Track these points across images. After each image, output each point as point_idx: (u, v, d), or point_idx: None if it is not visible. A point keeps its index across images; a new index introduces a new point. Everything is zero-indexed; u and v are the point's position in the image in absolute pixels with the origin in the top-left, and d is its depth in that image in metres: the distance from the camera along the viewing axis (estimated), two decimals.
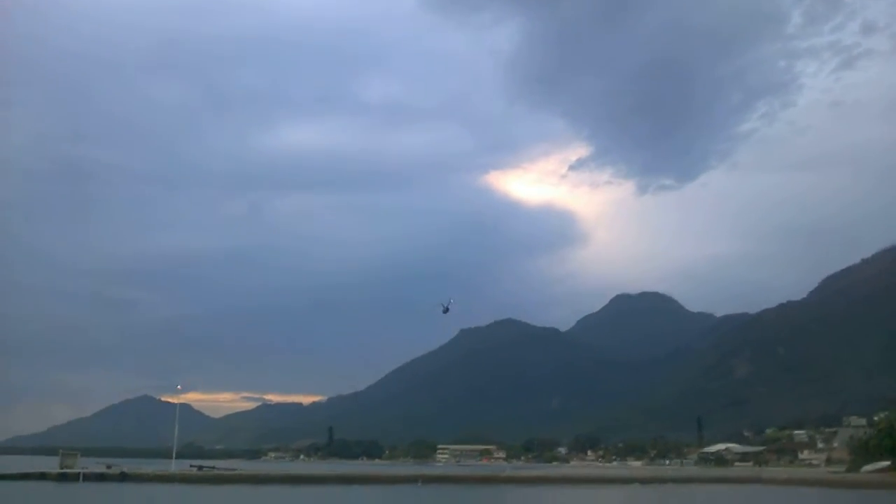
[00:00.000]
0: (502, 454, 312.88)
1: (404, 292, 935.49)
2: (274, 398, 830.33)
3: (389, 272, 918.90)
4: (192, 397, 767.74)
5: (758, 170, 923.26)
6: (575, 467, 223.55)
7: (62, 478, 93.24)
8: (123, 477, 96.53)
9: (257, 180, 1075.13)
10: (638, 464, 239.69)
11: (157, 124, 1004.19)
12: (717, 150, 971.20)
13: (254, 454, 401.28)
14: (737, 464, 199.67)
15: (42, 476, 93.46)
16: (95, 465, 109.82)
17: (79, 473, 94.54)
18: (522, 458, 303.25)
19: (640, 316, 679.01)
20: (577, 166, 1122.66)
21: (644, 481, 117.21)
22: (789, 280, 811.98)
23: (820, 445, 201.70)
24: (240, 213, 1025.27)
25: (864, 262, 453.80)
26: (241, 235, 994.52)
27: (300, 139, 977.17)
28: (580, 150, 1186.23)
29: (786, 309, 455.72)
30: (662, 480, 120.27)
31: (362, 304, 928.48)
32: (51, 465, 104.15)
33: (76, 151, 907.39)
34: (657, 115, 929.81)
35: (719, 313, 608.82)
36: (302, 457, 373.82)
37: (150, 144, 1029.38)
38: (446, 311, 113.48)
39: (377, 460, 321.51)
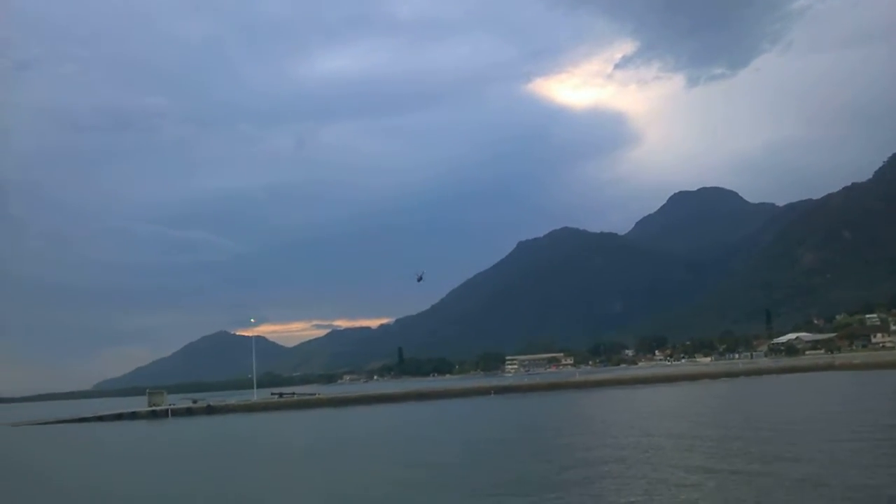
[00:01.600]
0: (570, 361, 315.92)
1: (456, 211, 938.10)
2: (343, 324, 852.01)
3: (439, 192, 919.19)
4: (265, 329, 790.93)
5: (813, 49, 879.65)
6: (643, 368, 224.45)
7: (152, 415, 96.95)
8: (210, 410, 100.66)
9: (298, 113, 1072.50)
10: (707, 360, 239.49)
11: (189, 65, 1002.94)
12: (768, 32, 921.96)
13: (330, 378, 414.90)
14: (808, 352, 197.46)
15: (133, 415, 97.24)
16: (182, 401, 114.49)
17: (167, 410, 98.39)
18: (590, 363, 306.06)
19: (700, 212, 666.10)
20: (622, 64, 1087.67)
21: (714, 376, 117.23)
22: (853, 162, 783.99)
23: (893, 328, 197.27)
24: (284, 148, 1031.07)
25: None
26: (287, 170, 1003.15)
27: (336, 66, 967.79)
28: (625, 47, 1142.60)
29: (850, 191, 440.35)
30: (733, 374, 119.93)
31: (416, 226, 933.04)
32: (140, 404, 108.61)
33: (119, 98, 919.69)
34: (703, 1, 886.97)
35: (782, 202, 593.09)
36: (375, 378, 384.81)
37: (186, 86, 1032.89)
38: (420, 279, 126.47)
39: (448, 376, 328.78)
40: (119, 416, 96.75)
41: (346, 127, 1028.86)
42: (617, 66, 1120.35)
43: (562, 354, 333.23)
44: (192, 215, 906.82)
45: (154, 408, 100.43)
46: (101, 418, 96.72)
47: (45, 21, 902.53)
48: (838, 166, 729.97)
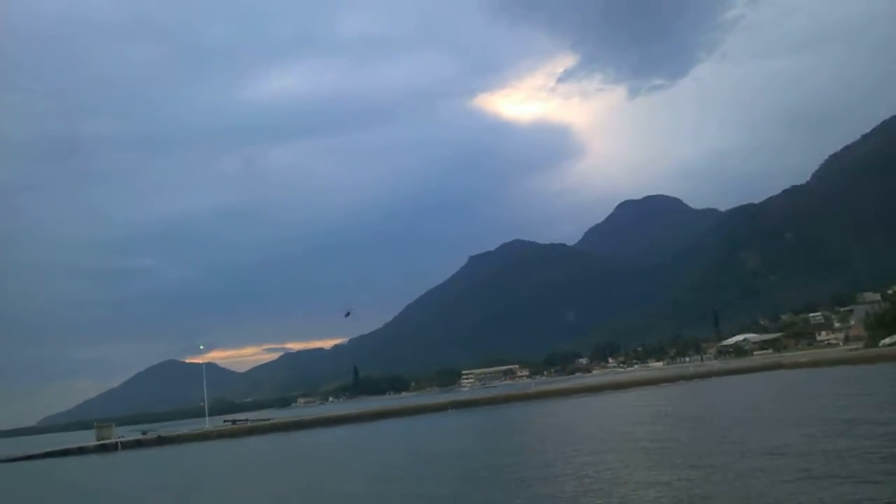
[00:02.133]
0: (525, 372, 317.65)
1: (409, 227, 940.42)
2: (295, 346, 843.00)
3: (391, 209, 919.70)
4: (216, 355, 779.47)
5: (748, 57, 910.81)
6: (598, 375, 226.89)
7: (101, 449, 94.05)
8: (161, 441, 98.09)
9: (245, 134, 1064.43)
10: (659, 364, 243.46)
11: (135, 90, 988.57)
12: (704, 42, 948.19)
13: (284, 402, 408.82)
14: (756, 353, 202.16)
15: (81, 450, 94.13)
16: (131, 433, 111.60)
17: (116, 443, 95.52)
18: (545, 373, 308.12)
19: (646, 220, 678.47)
20: (565, 77, 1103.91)
21: (668, 380, 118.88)
22: (792, 166, 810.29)
23: (836, 325, 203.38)
24: (233, 170, 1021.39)
25: (865, 137, 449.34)
26: (237, 191, 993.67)
27: (282, 86, 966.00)
28: (566, 61, 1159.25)
29: (790, 195, 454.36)
30: (685, 377, 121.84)
31: (367, 244, 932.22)
32: (87, 438, 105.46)
33: (64, 125, 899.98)
34: (640, 14, 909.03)
35: (724, 207, 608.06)
36: (331, 399, 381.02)
37: (133, 111, 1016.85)
38: (347, 315, 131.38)
39: (404, 393, 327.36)
40: (66, 452, 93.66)
41: (296, 147, 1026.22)
42: (559, 80, 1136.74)
43: (517, 366, 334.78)
44: (137, 242, 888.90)
45: (103, 441, 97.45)
46: (48, 454, 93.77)
47: None
48: (779, 171, 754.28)
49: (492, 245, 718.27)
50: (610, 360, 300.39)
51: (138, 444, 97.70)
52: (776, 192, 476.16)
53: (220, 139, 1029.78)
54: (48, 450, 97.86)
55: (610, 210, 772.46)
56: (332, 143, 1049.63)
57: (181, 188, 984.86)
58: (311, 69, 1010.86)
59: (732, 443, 32.32)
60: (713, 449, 31.36)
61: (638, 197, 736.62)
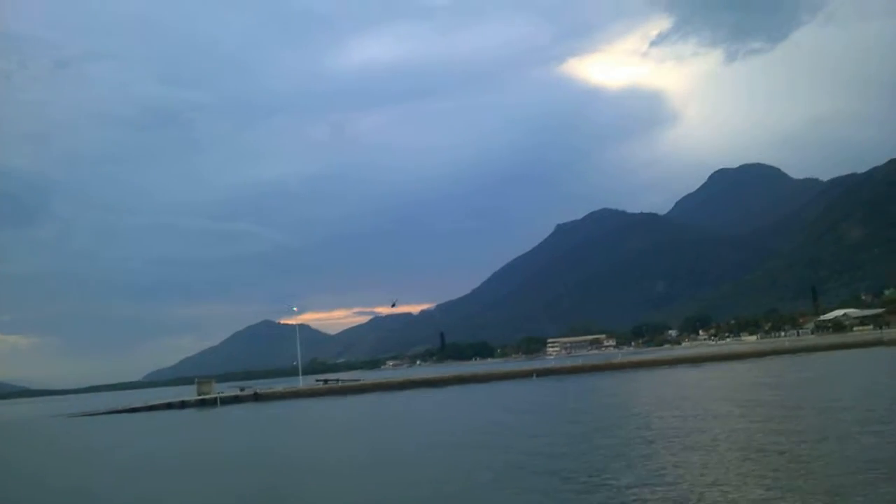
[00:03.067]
0: (612, 342, 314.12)
1: (495, 195, 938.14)
2: (384, 310, 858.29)
3: (477, 176, 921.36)
4: (309, 317, 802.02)
5: (855, 19, 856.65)
6: (687, 348, 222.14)
7: (201, 404, 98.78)
8: (257, 397, 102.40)
9: (336, 101, 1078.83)
10: (752, 338, 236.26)
11: (226, 59, 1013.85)
12: (807, 4, 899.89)
13: (373, 364, 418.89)
14: (856, 328, 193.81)
15: (183, 404, 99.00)
16: (229, 389, 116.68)
17: (216, 398, 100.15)
18: (633, 344, 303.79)
19: (742, 189, 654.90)
20: (658, 41, 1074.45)
21: (760, 354, 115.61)
22: None
23: None
24: (324, 136, 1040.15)
25: None
26: (326, 159, 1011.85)
27: (372, 53, 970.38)
28: (661, 23, 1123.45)
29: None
30: (779, 352, 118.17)
31: (455, 211, 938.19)
32: (189, 393, 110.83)
33: (164, 94, 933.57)
34: None
35: (826, 177, 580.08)
36: (418, 363, 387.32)
37: (229, 79, 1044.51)
38: (394, 305, 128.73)
39: (489, 360, 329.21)
40: (169, 406, 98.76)
41: (384, 114, 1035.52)
42: (653, 44, 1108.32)
43: (604, 336, 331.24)
44: (234, 208, 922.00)
45: (203, 396, 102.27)
46: (152, 408, 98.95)
47: (82, 19, 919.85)
48: (883, 139, 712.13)
49: (579, 214, 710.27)
50: (700, 332, 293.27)
51: (236, 399, 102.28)
52: (881, 161, 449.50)
53: (312, 106, 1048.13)
54: (152, 403, 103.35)
55: (703, 179, 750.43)
56: (420, 110, 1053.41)
57: (276, 154, 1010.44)
58: (402, 35, 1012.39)
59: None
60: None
61: (733, 166, 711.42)
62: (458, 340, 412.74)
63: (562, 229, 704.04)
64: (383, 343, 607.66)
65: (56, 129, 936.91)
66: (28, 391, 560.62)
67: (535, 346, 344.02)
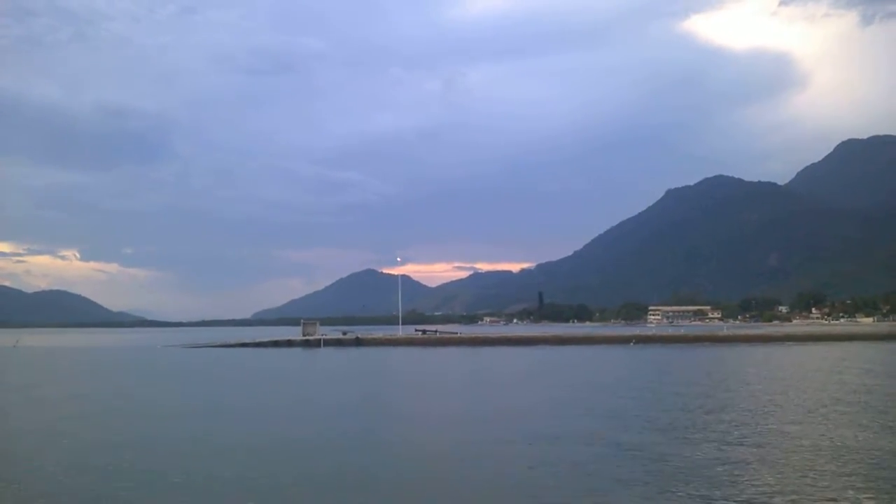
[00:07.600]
0: (717, 314, 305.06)
1: (603, 156, 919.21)
2: (484, 267, 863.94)
3: (586, 136, 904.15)
4: (410, 269, 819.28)
5: None
6: (798, 325, 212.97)
7: (306, 344, 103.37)
8: (358, 342, 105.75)
9: (447, 55, 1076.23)
10: (868, 320, 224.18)
11: (343, 10, 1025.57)
12: None
13: (470, 319, 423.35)
14: None
15: (289, 343, 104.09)
16: (333, 332, 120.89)
17: (319, 340, 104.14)
18: (739, 317, 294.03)
19: (870, 163, 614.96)
20: (789, 0, 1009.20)
21: (877, 338, 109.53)
22: None
23: None
24: (433, 91, 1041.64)
25: None
26: (436, 113, 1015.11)
27: (485, 6, 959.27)
28: None
29: None
30: None
31: (560, 172, 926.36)
32: (294, 333, 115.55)
33: (281, 42, 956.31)
34: None
35: None
36: (515, 321, 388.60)
37: (343, 29, 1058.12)
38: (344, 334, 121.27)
39: (588, 323, 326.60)
40: (276, 344, 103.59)
41: (494, 69, 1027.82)
42: (783, 2, 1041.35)
43: (709, 307, 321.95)
44: (345, 156, 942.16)
45: (307, 337, 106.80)
46: (259, 344, 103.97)
47: None
48: None
49: (692, 179, 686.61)
50: (813, 310, 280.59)
51: (338, 342, 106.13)
52: None
53: (423, 59, 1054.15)
54: (260, 340, 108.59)
55: (829, 149, 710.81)
56: (531, 66, 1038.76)
57: (386, 106, 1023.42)
58: None
59: None
60: None
61: (863, 136, 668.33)
62: (556, 301, 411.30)
63: (672, 194, 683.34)
64: (481, 299, 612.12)
65: (180, 73, 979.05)
66: (144, 321, 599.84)
67: (635, 312, 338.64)
